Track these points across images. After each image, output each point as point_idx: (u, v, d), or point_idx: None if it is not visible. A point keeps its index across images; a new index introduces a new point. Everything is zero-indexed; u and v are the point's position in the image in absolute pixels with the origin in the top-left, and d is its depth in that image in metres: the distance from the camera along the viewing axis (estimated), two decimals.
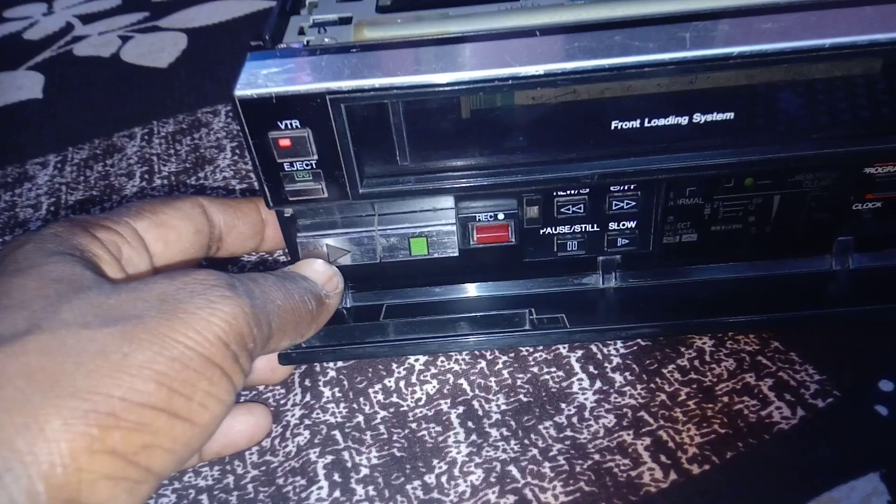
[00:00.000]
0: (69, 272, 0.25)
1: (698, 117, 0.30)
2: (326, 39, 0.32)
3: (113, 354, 0.23)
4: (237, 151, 0.55)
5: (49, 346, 0.22)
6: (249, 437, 0.32)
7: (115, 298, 0.24)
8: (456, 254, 0.34)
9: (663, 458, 0.30)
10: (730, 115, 0.30)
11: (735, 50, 0.28)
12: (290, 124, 0.29)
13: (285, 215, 0.33)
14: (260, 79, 0.29)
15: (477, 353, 0.36)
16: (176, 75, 0.69)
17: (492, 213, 0.34)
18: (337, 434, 0.33)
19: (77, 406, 0.21)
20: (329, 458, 0.32)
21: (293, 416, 0.34)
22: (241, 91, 0.29)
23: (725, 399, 0.32)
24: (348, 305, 0.37)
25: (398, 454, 0.32)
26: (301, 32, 0.33)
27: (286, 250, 0.36)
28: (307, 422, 0.34)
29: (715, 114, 0.30)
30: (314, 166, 0.31)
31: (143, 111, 0.63)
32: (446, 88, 0.29)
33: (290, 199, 0.32)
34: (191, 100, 0.64)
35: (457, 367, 0.35)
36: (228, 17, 0.80)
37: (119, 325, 0.23)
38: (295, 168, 0.31)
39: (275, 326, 0.28)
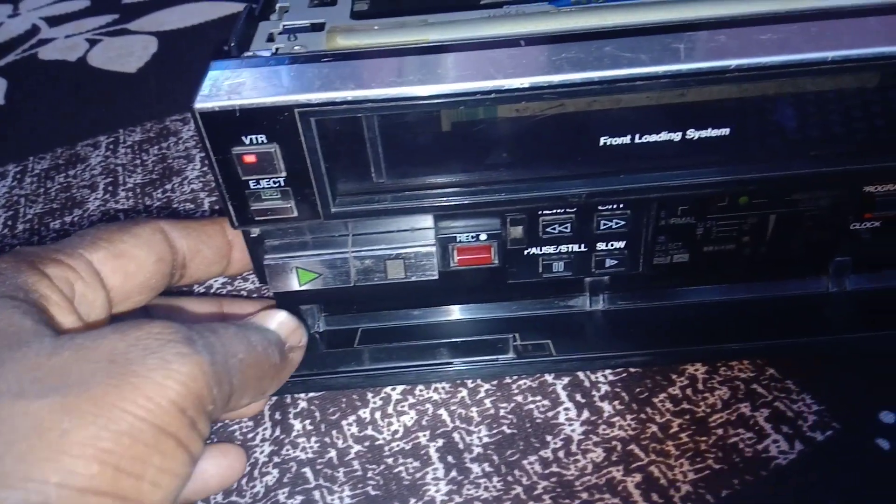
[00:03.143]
0: (6, 322, 0.22)
1: (692, 133, 0.29)
2: (297, 47, 0.30)
3: (50, 432, 0.20)
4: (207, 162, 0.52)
5: None
6: (222, 480, 0.29)
7: (56, 359, 0.21)
8: (435, 276, 0.32)
9: (655, 496, 0.28)
10: (725, 131, 0.29)
11: (732, 63, 0.26)
12: (256, 139, 0.27)
13: (252, 236, 0.31)
14: (223, 90, 0.27)
15: (458, 381, 0.34)
16: (145, 81, 0.66)
17: (473, 234, 0.32)
18: (308, 472, 0.31)
19: (6, 497, 0.19)
20: (299, 498, 0.30)
21: (262, 452, 0.32)
22: (201, 104, 0.26)
23: (720, 431, 0.30)
24: (321, 329, 0.35)
25: (373, 493, 0.30)
26: (270, 39, 0.31)
27: (252, 277, 0.34)
28: (276, 459, 0.32)
29: (709, 129, 0.29)
30: (282, 184, 0.29)
31: (109, 119, 0.60)
32: (424, 102, 0.27)
33: (257, 218, 0.29)
34: (160, 107, 0.61)
35: (436, 397, 0.33)
36: (202, 20, 0.77)
37: (59, 395, 0.20)
38: (261, 186, 0.29)
39: (236, 383, 0.25)
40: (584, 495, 0.29)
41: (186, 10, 0.80)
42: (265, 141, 0.27)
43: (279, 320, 0.29)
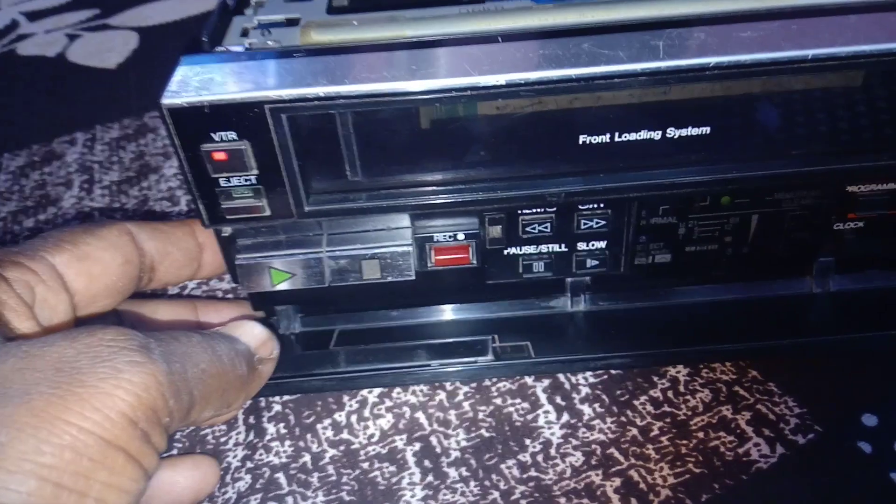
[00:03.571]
0: None
1: (672, 132, 0.28)
2: (270, 42, 0.29)
3: None
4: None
5: None
6: (195, 493, 0.28)
7: None
8: (412, 277, 0.31)
9: (634, 501, 0.28)
10: (706, 130, 0.28)
11: (712, 60, 0.26)
12: (226, 136, 0.27)
13: (224, 235, 0.30)
14: (192, 85, 0.26)
15: (436, 383, 0.33)
16: (124, 77, 0.65)
17: (451, 233, 0.31)
18: (281, 477, 0.30)
19: None
20: None
21: (235, 457, 0.31)
22: (169, 99, 0.26)
23: (701, 434, 0.30)
24: (297, 331, 0.35)
25: (347, 498, 0.29)
26: (244, 34, 0.30)
27: (228, 276, 0.33)
28: (249, 464, 0.31)
29: (690, 128, 0.28)
30: (254, 182, 0.28)
31: (87, 115, 0.59)
32: (398, 99, 0.26)
33: (228, 217, 0.29)
34: (139, 103, 0.60)
35: (414, 400, 0.33)
36: (184, 16, 0.76)
37: None
38: (232, 184, 0.28)
39: (197, 395, 0.24)
40: (563, 500, 0.28)
41: (168, 5, 0.79)
42: (235, 138, 0.27)
43: (249, 330, 0.28)
